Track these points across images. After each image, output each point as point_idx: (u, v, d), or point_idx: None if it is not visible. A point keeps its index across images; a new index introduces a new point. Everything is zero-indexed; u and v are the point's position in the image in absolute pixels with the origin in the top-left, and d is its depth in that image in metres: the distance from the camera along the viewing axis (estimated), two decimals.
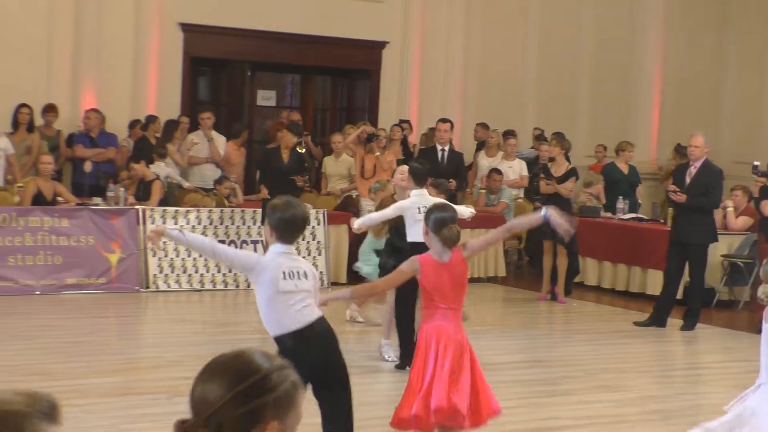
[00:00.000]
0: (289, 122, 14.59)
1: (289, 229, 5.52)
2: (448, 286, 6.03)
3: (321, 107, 19.14)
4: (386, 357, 9.54)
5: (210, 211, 13.58)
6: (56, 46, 15.26)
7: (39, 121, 14.40)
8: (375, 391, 8.48)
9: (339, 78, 18.66)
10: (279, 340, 5.51)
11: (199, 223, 13.36)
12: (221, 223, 13.48)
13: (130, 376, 8.57)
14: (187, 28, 16.30)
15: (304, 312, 5.48)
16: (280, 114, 17.36)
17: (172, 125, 14.94)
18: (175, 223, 13.14)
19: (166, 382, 8.15)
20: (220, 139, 15.27)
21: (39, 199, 12.82)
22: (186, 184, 14.54)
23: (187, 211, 13.46)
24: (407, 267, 6.12)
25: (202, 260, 13.18)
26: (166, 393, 7.18)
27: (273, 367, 2.27)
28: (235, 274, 13.40)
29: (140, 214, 13.06)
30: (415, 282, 6.21)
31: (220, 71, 17.78)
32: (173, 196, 13.97)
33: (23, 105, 14.11)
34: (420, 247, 6.58)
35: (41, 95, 14.75)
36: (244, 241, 13.58)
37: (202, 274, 13.28)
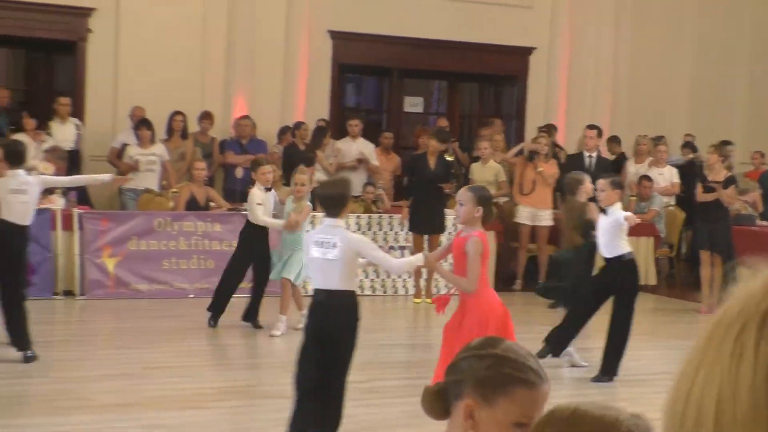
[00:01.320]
0: (435, 129, 14.59)
1: (328, 204, 6.35)
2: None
3: (468, 113, 19.10)
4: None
5: (358, 216, 13.68)
6: (209, 55, 15.61)
7: (192, 128, 14.74)
8: None
9: (486, 84, 18.59)
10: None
11: (347, 229, 13.45)
12: (369, 229, 13.56)
13: (285, 377, 8.67)
14: (336, 36, 16.48)
15: (321, 279, 6.27)
16: (419, 127, 17.35)
17: (320, 132, 15.11)
18: None
19: None
20: (368, 146, 15.38)
21: (192, 204, 13.11)
22: None
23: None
24: (482, 246, 6.66)
25: None
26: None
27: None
28: (383, 280, 13.47)
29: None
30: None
31: (368, 78, 17.91)
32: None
33: (177, 112, 14.46)
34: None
35: (195, 103, 15.10)
36: (392, 247, 13.61)
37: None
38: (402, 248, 13.43)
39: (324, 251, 6.00)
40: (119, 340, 10.33)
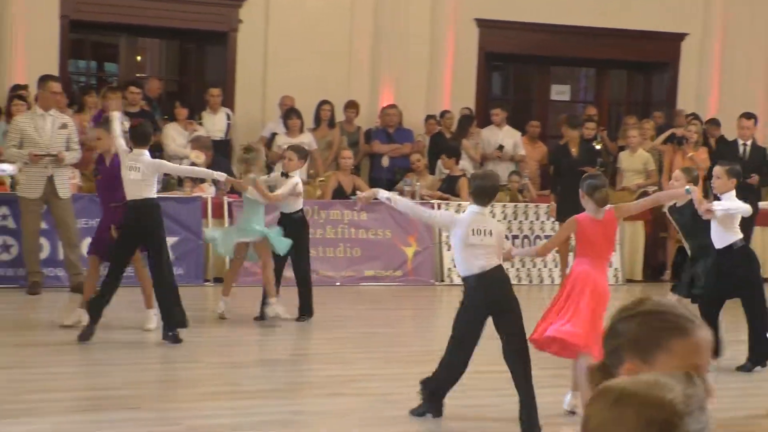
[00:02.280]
0: (567, 116, 14.42)
1: (481, 195, 6.87)
2: (600, 238, 7.27)
3: (616, 101, 18.78)
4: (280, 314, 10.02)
5: (504, 206, 13.61)
6: (356, 44, 15.73)
7: (339, 117, 14.87)
8: None
9: (635, 71, 18.24)
10: (465, 279, 6.90)
11: (493, 218, 13.42)
12: (515, 218, 13.48)
13: (425, 367, 8.68)
14: (483, 24, 16.40)
15: (484, 261, 6.77)
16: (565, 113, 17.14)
17: (466, 120, 15.07)
18: None
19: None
20: (514, 135, 15.27)
21: (339, 193, 13.23)
22: None
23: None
24: (568, 225, 7.39)
25: None
26: (460, 385, 7.22)
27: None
28: (528, 269, 13.40)
29: (436, 208, 13.24)
30: None
31: (514, 66, 17.78)
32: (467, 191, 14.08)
33: (325, 102, 14.60)
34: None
35: (342, 92, 15.23)
36: (538, 236, 13.53)
37: None
38: (548, 237, 13.30)
39: (481, 238, 6.80)
40: (267, 326, 10.50)
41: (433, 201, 13.28)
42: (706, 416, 1.92)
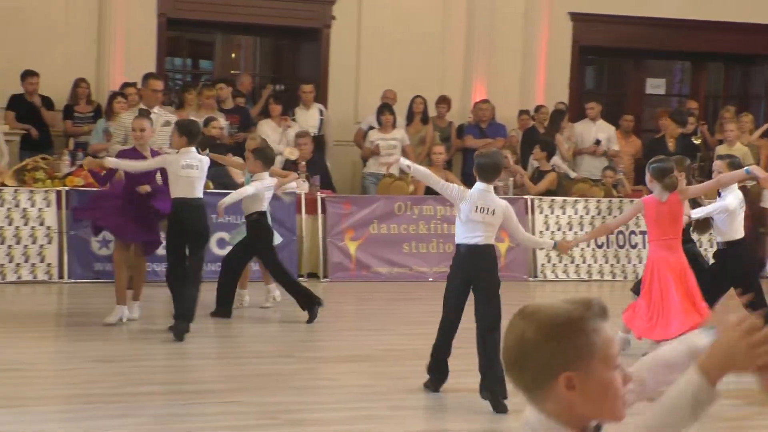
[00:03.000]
0: (673, 110, 14.21)
1: (485, 172, 7.18)
2: (666, 219, 7.89)
3: (713, 95, 18.47)
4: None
5: (598, 201, 13.49)
6: (449, 39, 15.72)
7: (432, 112, 14.86)
8: None
9: (732, 64, 17.92)
10: (458, 246, 7.27)
11: (587, 213, 13.34)
12: (609, 213, 13.35)
13: None
14: (577, 17, 16.27)
15: (481, 236, 7.13)
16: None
17: (559, 115, 14.96)
18: (563, 214, 13.25)
19: None
20: (608, 129, 15.11)
21: (432, 189, 13.20)
22: (573, 174, 14.51)
23: (576, 201, 13.44)
24: (636, 206, 8.10)
25: (590, 251, 13.17)
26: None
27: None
28: (623, 266, 13.29)
29: (529, 203, 13.21)
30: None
31: (608, 60, 17.60)
32: (562, 186, 13.98)
33: (418, 97, 14.60)
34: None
35: (434, 87, 15.22)
36: (633, 232, 13.40)
37: (590, 265, 13.26)
38: (643, 233, 13.15)
39: (483, 216, 7.12)
40: (361, 322, 10.58)
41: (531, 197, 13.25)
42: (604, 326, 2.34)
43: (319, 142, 14.06)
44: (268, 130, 13.81)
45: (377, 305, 11.41)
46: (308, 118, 14.31)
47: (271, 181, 10.02)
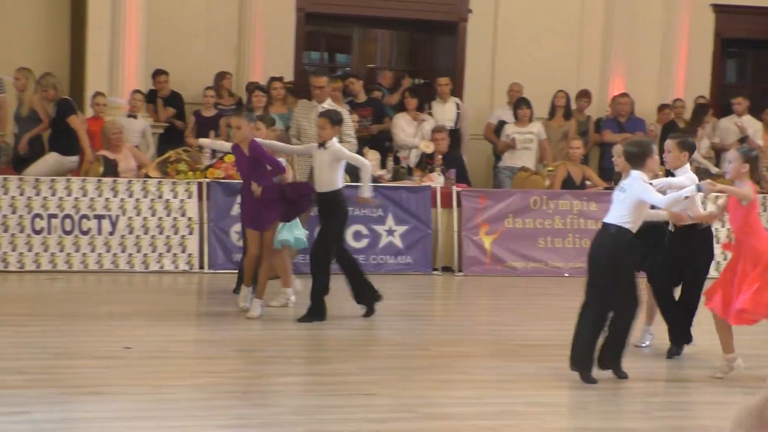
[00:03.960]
0: None
1: (637, 159, 7.48)
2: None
3: None
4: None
5: None
6: (587, 33, 15.54)
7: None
8: None
9: None
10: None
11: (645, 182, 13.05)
12: None
13: (652, 362, 8.51)
14: (719, 9, 15.90)
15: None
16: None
17: (702, 109, 14.62)
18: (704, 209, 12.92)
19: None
20: (753, 125, 14.72)
21: (569, 183, 13.09)
22: (715, 170, 14.17)
23: (716, 197, 13.09)
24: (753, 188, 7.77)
25: None
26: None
27: None
28: None
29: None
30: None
31: (752, 52, 17.14)
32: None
33: (560, 91, 14.44)
34: None
35: (571, 81, 15.07)
36: None
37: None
38: None
39: (618, 194, 7.54)
40: (496, 317, 10.52)
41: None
42: None
43: (455, 135, 14.03)
44: (403, 124, 13.85)
45: (512, 300, 11.34)
46: (445, 111, 14.30)
47: None
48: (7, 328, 8.78)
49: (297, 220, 10.09)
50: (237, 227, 11.61)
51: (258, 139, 9.44)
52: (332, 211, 9.40)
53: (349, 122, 11.74)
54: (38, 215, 11.60)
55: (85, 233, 11.71)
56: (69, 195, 11.63)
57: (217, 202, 12.03)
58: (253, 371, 7.72)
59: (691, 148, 8.46)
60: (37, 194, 11.60)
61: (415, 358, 8.37)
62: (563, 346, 8.54)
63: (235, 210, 11.82)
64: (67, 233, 11.65)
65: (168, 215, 11.87)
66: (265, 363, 7.98)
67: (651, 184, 7.63)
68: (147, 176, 12.02)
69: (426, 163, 13.25)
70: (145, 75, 13.92)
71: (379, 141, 13.98)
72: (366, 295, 9.72)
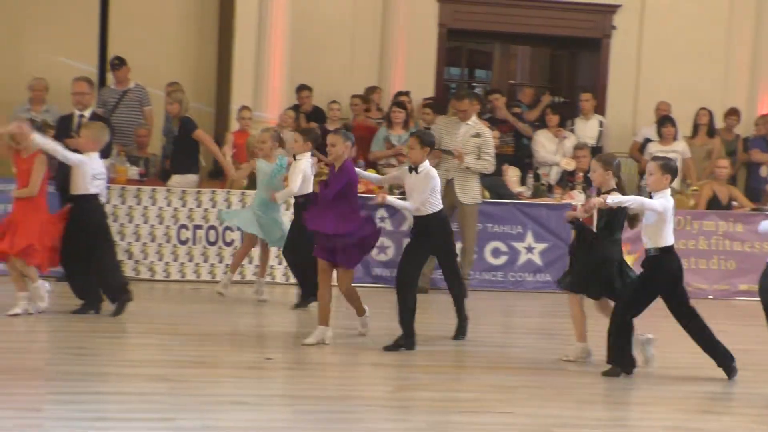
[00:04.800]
0: None
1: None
2: None
3: None
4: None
5: None
6: (734, 48, 15.21)
7: (718, 124, 14.39)
8: None
9: None
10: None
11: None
12: None
13: None
14: None
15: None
16: None
17: None
18: None
19: None
20: None
21: (714, 203, 12.80)
22: None
23: None
24: None
25: None
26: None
27: None
28: None
29: None
30: None
31: None
32: None
33: (702, 108, 14.17)
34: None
35: (717, 99, 14.77)
36: None
37: None
38: None
39: None
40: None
41: None
42: None
43: (597, 153, 13.83)
44: (544, 140, 13.76)
45: (653, 321, 11.05)
46: (587, 128, 14.14)
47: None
48: (153, 336, 9.01)
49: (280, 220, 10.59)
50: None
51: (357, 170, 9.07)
52: (428, 234, 8.93)
53: (490, 140, 11.73)
54: (184, 226, 11.88)
55: (228, 244, 11.95)
56: (214, 207, 11.88)
57: None
58: (391, 386, 7.74)
59: (673, 172, 8.17)
60: (183, 205, 11.88)
61: (553, 376, 8.27)
62: (708, 368, 8.34)
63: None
64: (212, 244, 11.90)
65: None
66: (402, 378, 7.99)
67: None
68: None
69: (567, 180, 13.12)
70: (289, 90, 14.13)
71: (519, 158, 13.91)
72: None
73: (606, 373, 8.17)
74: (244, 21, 13.86)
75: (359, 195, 8.98)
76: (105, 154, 10.18)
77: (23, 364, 7.65)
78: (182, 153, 12.13)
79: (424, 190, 8.79)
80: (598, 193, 8.42)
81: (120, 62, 13.37)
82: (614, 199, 7.93)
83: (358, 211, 8.72)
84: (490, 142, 11.62)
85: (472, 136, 11.58)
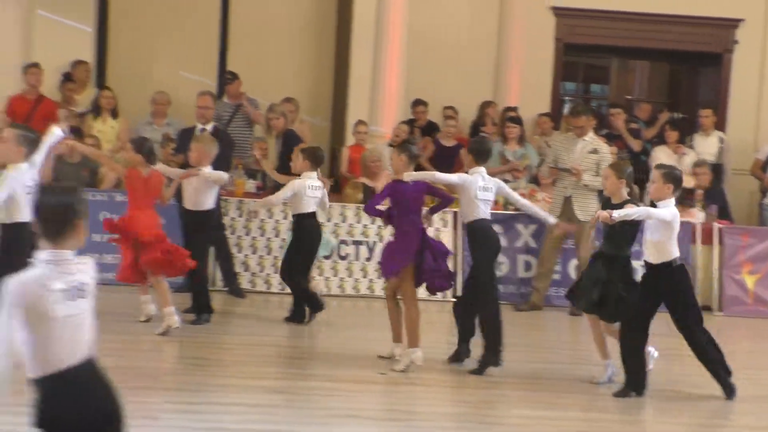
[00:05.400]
0: None
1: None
2: None
3: None
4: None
5: None
6: None
7: None
8: None
9: None
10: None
11: None
12: None
13: None
14: None
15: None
16: None
17: None
18: None
19: None
20: None
21: None
22: None
23: None
24: None
25: None
26: None
27: None
28: None
29: None
30: None
31: None
32: None
33: None
34: None
35: None
36: None
37: None
38: None
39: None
40: (755, 360, 10.08)
41: None
42: None
43: (717, 170, 13.59)
44: (663, 157, 13.52)
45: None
46: (707, 145, 13.86)
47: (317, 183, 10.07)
48: (268, 348, 9.10)
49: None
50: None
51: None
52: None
53: (608, 156, 11.58)
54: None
55: (343, 258, 12.01)
56: (329, 221, 11.95)
57: None
58: (506, 403, 7.68)
59: (676, 181, 7.84)
60: None
61: (664, 399, 8.07)
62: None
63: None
64: (326, 258, 11.97)
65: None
66: (516, 398, 7.93)
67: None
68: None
69: (686, 198, 12.87)
70: (405, 104, 14.18)
71: (636, 174, 13.68)
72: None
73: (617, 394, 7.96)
74: (360, 36, 13.95)
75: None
76: (224, 167, 10.28)
77: (143, 372, 7.79)
78: (286, 167, 12.18)
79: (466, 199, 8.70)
80: (608, 204, 8.12)
81: (233, 77, 13.56)
82: (620, 213, 7.58)
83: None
84: (608, 158, 11.47)
85: (589, 153, 11.46)
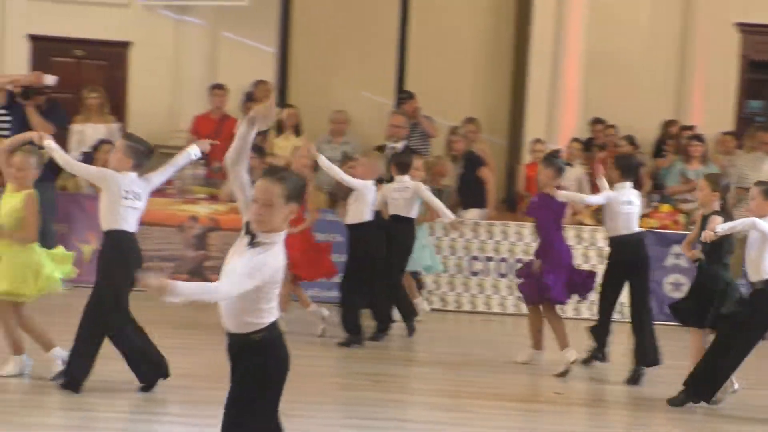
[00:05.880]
0: None
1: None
2: None
3: None
4: None
5: None
6: None
7: None
8: None
9: None
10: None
11: None
12: None
13: None
14: None
15: None
16: None
17: None
18: None
19: None
20: None
21: None
22: None
23: None
24: None
25: None
26: None
27: None
28: None
29: None
30: None
31: None
32: None
33: None
34: None
35: None
36: None
37: None
38: None
39: None
40: None
41: None
42: None
43: None
44: None
45: None
46: None
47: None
48: (440, 366, 9.09)
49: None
50: (671, 278, 11.36)
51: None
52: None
53: None
54: (475, 257, 11.98)
55: (503, 276, 11.97)
56: (505, 239, 11.90)
57: (651, 252, 11.80)
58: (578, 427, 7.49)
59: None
60: (476, 237, 11.98)
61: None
62: None
63: (669, 261, 11.61)
64: (502, 276, 11.92)
65: (601, 263, 11.78)
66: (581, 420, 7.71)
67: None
68: (581, 223, 12.05)
69: None
70: (583, 123, 14.01)
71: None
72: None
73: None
74: (538, 55, 13.88)
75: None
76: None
77: (317, 388, 7.88)
78: (468, 189, 12.22)
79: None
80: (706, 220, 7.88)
81: (407, 96, 13.65)
82: (724, 227, 7.38)
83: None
84: None
85: None
